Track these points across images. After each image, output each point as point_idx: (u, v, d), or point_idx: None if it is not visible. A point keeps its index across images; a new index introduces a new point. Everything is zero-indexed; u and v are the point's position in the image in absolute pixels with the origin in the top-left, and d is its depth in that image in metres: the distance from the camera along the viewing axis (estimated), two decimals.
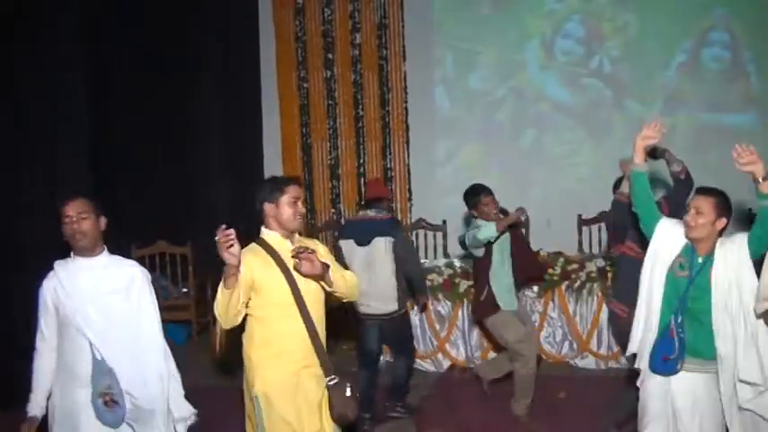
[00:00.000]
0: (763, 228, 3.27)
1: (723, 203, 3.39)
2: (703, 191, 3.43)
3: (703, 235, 3.36)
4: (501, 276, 4.96)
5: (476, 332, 6.12)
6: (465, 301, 6.10)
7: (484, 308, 4.99)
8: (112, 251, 3.43)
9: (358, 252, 4.87)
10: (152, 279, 6.63)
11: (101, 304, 3.19)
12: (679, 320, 3.34)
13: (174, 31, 7.24)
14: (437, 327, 6.15)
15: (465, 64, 7.89)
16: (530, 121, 7.87)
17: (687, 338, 3.33)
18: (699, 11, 7.61)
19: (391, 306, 4.85)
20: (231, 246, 2.95)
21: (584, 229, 6.99)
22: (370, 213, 4.99)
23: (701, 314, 3.32)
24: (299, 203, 3.29)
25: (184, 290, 6.96)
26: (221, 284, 3.08)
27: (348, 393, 3.26)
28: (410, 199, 7.93)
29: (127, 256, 6.69)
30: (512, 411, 4.96)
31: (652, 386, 3.44)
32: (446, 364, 6.18)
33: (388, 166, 7.97)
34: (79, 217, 3.17)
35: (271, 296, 3.21)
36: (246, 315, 3.25)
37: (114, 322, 3.20)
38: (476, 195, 5.01)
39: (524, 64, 7.82)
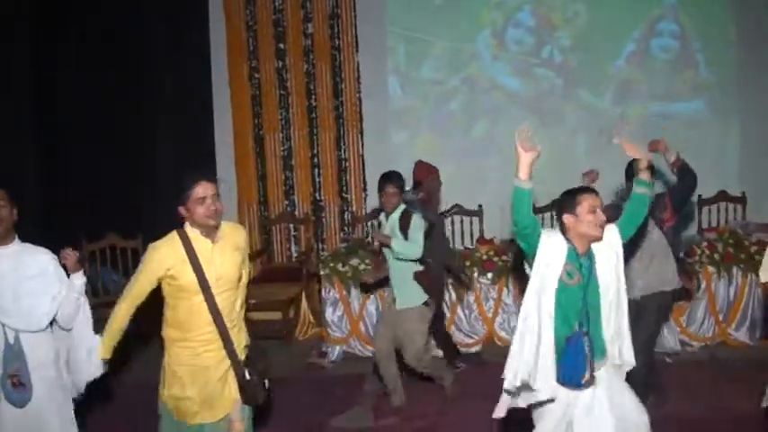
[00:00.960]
0: (634, 212, 3.44)
1: None
2: (593, 190, 3.36)
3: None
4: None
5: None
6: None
7: None
8: (62, 246, 3.52)
9: None
10: (103, 273, 6.58)
11: (18, 289, 3.32)
12: (584, 328, 3.26)
13: (121, 19, 7.10)
14: None
15: (417, 54, 7.88)
16: (483, 110, 7.89)
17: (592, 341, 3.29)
18: (648, 1, 7.72)
19: None
20: None
21: (538, 216, 7.04)
22: (409, 195, 5.14)
23: (593, 311, 3.31)
24: (209, 200, 3.31)
25: None
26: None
27: (247, 377, 3.45)
28: (365, 189, 7.89)
29: (77, 250, 6.64)
30: None
31: (556, 403, 3.30)
32: None
33: (343, 156, 7.91)
34: (5, 204, 3.31)
35: (180, 286, 3.35)
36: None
37: (29, 307, 3.34)
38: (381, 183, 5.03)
39: (476, 54, 7.84)
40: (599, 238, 3.31)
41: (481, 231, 7.09)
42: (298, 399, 5.28)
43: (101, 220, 6.69)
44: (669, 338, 6.01)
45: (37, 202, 6.37)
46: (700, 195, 7.08)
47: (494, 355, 6.00)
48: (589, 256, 3.33)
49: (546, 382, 3.22)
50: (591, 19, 7.74)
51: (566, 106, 7.83)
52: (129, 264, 6.71)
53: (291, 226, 7.99)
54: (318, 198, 7.95)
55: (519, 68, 7.84)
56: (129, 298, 3.41)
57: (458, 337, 6.16)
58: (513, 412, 3.38)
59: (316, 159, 7.94)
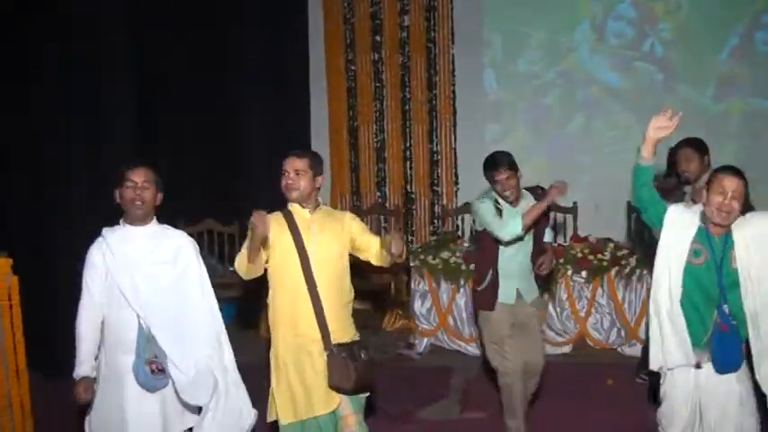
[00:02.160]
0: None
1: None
2: (735, 171, 3.15)
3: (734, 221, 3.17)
4: (508, 264, 4.25)
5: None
6: None
7: (482, 299, 4.34)
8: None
9: None
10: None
11: (148, 273, 3.25)
12: (725, 311, 3.14)
13: (220, 10, 7.29)
14: None
15: (514, 47, 7.79)
16: (579, 105, 7.75)
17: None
18: None
19: None
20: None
21: (634, 215, 6.89)
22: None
23: (732, 298, 3.15)
24: (290, 174, 3.43)
25: (231, 269, 7.01)
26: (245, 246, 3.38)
27: (344, 362, 3.38)
28: (456, 183, 7.88)
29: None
30: None
31: (681, 388, 3.24)
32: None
33: (435, 149, 7.92)
34: (143, 185, 3.26)
35: (281, 255, 3.40)
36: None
37: (160, 292, 3.25)
38: (488, 169, 4.27)
39: (574, 47, 7.70)
40: (722, 225, 3.12)
41: (575, 229, 6.97)
42: (384, 388, 5.29)
43: (199, 205, 6.90)
44: None
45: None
46: None
47: (585, 356, 5.94)
48: (725, 238, 3.16)
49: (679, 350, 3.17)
50: (693, 11, 7.49)
51: (665, 102, 7.57)
52: (224, 249, 6.91)
53: (382, 217, 8.05)
54: (410, 190, 7.99)
55: (618, 62, 7.65)
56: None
57: (548, 335, 6.09)
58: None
59: (408, 152, 7.99)
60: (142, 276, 3.23)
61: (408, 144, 7.98)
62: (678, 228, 3.20)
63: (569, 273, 6.07)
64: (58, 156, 5.73)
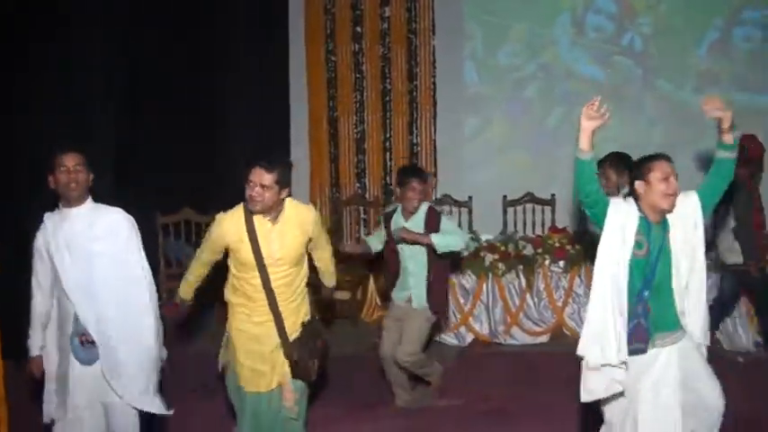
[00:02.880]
0: (718, 178, 3.23)
1: None
2: (662, 156, 3.22)
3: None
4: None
5: (500, 306, 6.11)
6: (490, 275, 6.10)
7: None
8: (138, 218, 3.55)
9: None
10: (177, 246, 6.73)
11: (86, 250, 3.33)
12: (645, 296, 3.17)
13: (200, 3, 7.23)
14: (461, 300, 6.15)
15: (494, 39, 7.80)
16: (558, 98, 7.76)
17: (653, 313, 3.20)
18: None
19: None
20: None
21: None
22: None
23: (664, 281, 3.20)
24: (256, 187, 3.45)
25: None
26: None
27: (294, 358, 3.59)
28: (436, 174, 7.87)
29: (152, 223, 6.78)
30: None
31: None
32: (469, 338, 6.18)
33: (415, 141, 7.92)
34: (75, 168, 3.32)
35: (238, 259, 3.56)
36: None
37: (96, 270, 3.33)
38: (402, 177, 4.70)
39: (554, 40, 7.73)
40: (668, 211, 3.18)
41: (553, 221, 7.00)
42: (360, 377, 5.31)
43: (176, 195, 6.84)
44: (743, 336, 5.84)
45: (113, 175, 6.56)
46: None
47: (562, 346, 5.94)
48: (663, 225, 3.21)
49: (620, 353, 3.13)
50: (672, 5, 7.56)
51: (644, 96, 7.65)
52: (201, 238, 6.85)
53: (362, 208, 8.04)
54: (389, 182, 7.97)
55: (597, 56, 7.69)
56: (199, 264, 3.79)
57: (526, 324, 6.11)
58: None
59: (388, 143, 7.97)
60: (73, 254, 3.31)
61: (388, 135, 7.97)
62: (621, 222, 3.18)
63: (547, 263, 6.10)
64: (37, 149, 5.66)
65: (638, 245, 3.16)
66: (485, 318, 6.15)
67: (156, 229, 6.89)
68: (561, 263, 6.07)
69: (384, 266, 4.99)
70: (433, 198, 7.71)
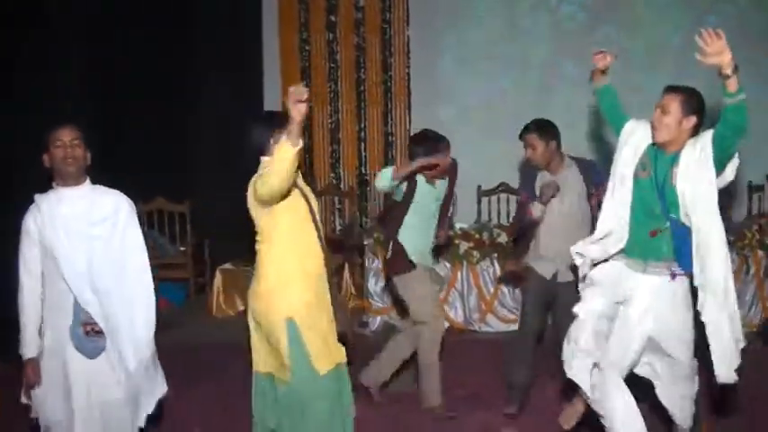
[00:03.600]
0: (726, 126, 3.15)
1: (691, 100, 3.27)
2: (670, 88, 3.31)
3: (670, 137, 3.25)
4: (416, 236, 4.48)
5: (474, 294, 6.11)
6: (464, 263, 6.10)
7: (394, 264, 4.51)
8: None
9: None
10: (150, 236, 6.66)
11: (86, 234, 3.16)
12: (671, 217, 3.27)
13: None
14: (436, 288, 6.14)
15: (469, 29, 7.79)
16: (533, 88, 7.78)
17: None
18: None
19: None
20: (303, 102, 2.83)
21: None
22: None
23: (672, 210, 3.27)
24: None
25: (182, 248, 6.93)
26: (284, 142, 2.88)
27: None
28: None
29: None
30: (423, 405, 4.51)
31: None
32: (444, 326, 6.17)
33: (389, 131, 7.91)
34: (72, 143, 3.17)
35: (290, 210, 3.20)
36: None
37: (95, 254, 3.17)
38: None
39: (529, 30, 7.74)
40: (656, 140, 3.29)
41: None
42: None
43: (150, 185, 6.77)
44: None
45: (93, 163, 6.50)
46: (750, 181, 6.93)
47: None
48: (672, 158, 3.26)
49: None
50: None
51: (621, 88, 7.65)
52: (176, 228, 6.81)
53: (336, 198, 8.01)
54: (364, 172, 7.96)
55: (572, 47, 7.70)
56: None
57: (500, 312, 6.13)
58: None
59: (362, 133, 7.95)
60: (73, 238, 3.14)
61: (363, 125, 7.95)
62: (631, 142, 3.40)
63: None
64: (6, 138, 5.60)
65: (641, 165, 3.33)
66: (459, 305, 6.15)
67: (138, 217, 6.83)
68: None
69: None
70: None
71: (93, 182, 3.31)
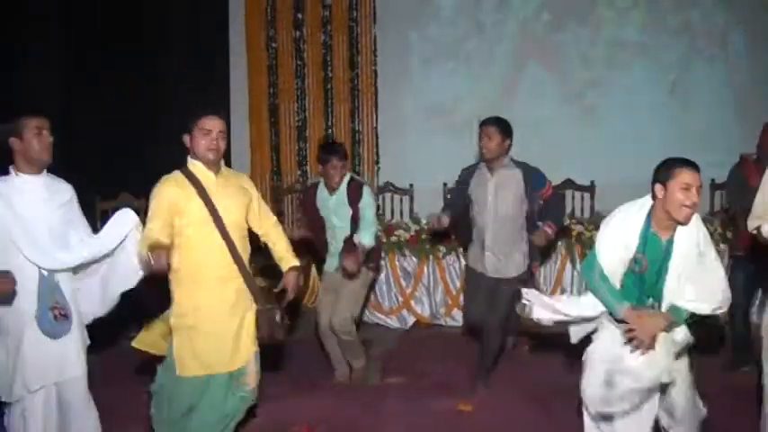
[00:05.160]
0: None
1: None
2: (691, 164, 3.01)
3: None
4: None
5: (440, 288, 6.15)
6: (430, 257, 6.14)
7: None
8: (78, 202, 3.54)
9: None
10: None
11: (49, 218, 3.27)
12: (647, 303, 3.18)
13: None
14: (402, 283, 6.18)
15: (436, 27, 7.85)
16: (502, 88, 7.84)
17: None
18: None
19: None
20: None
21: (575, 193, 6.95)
22: None
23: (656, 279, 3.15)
24: (215, 134, 3.37)
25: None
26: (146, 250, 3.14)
27: (278, 319, 3.45)
28: (377, 162, 7.90)
29: (91, 208, 6.64)
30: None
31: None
32: (411, 320, 6.22)
33: (357, 128, 7.93)
34: (49, 132, 3.28)
35: (189, 218, 3.32)
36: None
37: (60, 237, 3.29)
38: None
39: (495, 29, 7.81)
40: (683, 223, 3.03)
41: None
42: (304, 361, 5.31)
43: (116, 180, 6.73)
44: None
45: (53, 160, 6.44)
46: (713, 179, 7.05)
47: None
48: (668, 244, 3.08)
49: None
50: None
51: (585, 86, 7.76)
52: (142, 223, 6.74)
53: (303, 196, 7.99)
54: None
55: (537, 45, 7.78)
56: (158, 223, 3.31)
57: None
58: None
59: (330, 131, 7.96)
60: (43, 223, 3.23)
61: (330, 123, 7.96)
62: (623, 240, 3.14)
63: None
64: None
65: (637, 262, 3.12)
66: (426, 300, 6.19)
67: (96, 214, 6.76)
68: None
69: (315, 240, 5.01)
70: (375, 185, 7.74)
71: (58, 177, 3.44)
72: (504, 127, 4.58)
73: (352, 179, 4.83)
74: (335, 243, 4.87)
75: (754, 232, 3.53)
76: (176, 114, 7.39)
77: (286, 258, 3.60)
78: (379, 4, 7.81)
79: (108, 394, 3.69)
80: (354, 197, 4.73)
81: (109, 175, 6.76)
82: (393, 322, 6.21)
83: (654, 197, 3.08)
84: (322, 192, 4.88)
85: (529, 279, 4.61)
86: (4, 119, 5.25)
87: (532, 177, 4.51)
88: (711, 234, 5.90)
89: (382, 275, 6.20)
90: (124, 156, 7.00)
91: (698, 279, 3.06)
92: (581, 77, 7.73)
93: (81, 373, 3.33)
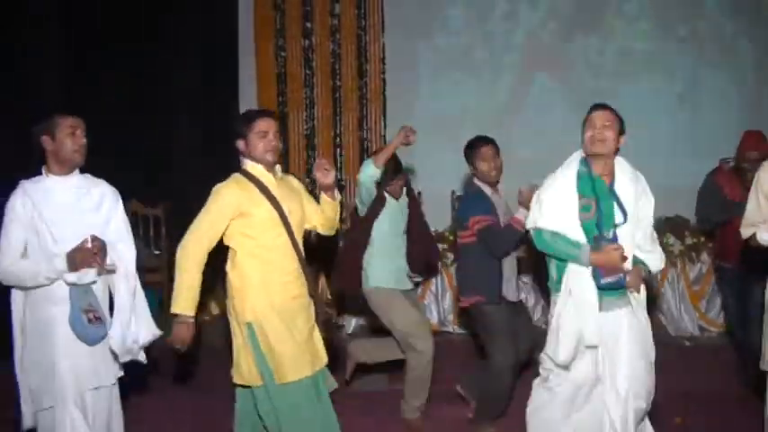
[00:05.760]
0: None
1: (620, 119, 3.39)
2: (600, 106, 3.38)
3: (610, 149, 3.30)
4: (385, 256, 4.43)
5: (448, 296, 6.16)
6: (439, 265, 6.15)
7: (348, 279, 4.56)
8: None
9: None
10: None
11: (78, 222, 3.18)
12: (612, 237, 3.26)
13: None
14: None
15: (445, 35, 7.89)
16: (507, 96, 7.87)
17: None
18: None
19: None
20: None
21: None
22: None
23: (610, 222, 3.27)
24: (271, 135, 3.29)
25: (156, 252, 6.89)
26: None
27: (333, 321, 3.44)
28: None
29: None
30: (401, 414, 4.47)
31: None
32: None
33: (365, 137, 7.96)
34: (83, 134, 3.25)
35: (256, 221, 3.23)
36: (230, 248, 3.30)
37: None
38: None
39: (503, 39, 7.84)
40: (599, 154, 3.28)
41: None
42: None
43: (125, 188, 6.74)
44: (688, 323, 6.01)
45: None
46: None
47: None
48: (611, 185, 3.29)
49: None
50: None
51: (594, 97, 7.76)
52: (150, 232, 6.77)
53: None
54: (339, 178, 7.99)
55: (546, 55, 7.80)
56: (203, 241, 3.22)
57: None
58: None
59: (338, 139, 8.00)
60: (70, 224, 3.16)
61: (338, 131, 8.00)
62: (559, 201, 3.28)
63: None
64: None
65: (584, 208, 3.22)
66: (434, 307, 6.20)
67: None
68: None
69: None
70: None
71: None
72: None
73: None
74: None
75: (749, 239, 3.52)
76: (185, 125, 7.51)
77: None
78: (388, 14, 7.87)
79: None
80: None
81: (118, 184, 6.78)
82: None
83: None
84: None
85: None
86: (5, 119, 5.31)
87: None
88: (697, 244, 6.01)
89: None
90: (134, 165, 7.04)
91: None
92: (589, 87, 7.74)
93: (114, 380, 3.29)
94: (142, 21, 7.22)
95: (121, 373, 3.36)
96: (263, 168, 3.31)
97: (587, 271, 3.21)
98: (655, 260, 3.34)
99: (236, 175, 3.33)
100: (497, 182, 4.27)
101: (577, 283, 3.23)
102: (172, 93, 7.41)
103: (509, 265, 4.22)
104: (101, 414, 3.23)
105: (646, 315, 3.34)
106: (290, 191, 3.39)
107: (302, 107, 8.00)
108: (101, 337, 3.17)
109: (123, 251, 3.31)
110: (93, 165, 6.52)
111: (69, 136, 3.18)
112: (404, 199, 4.57)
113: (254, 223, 3.23)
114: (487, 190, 4.23)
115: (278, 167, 3.39)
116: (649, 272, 3.36)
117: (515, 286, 4.30)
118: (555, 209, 3.28)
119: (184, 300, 3.18)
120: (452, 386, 4.84)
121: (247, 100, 7.96)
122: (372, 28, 7.86)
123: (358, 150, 7.93)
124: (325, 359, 3.38)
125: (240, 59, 7.94)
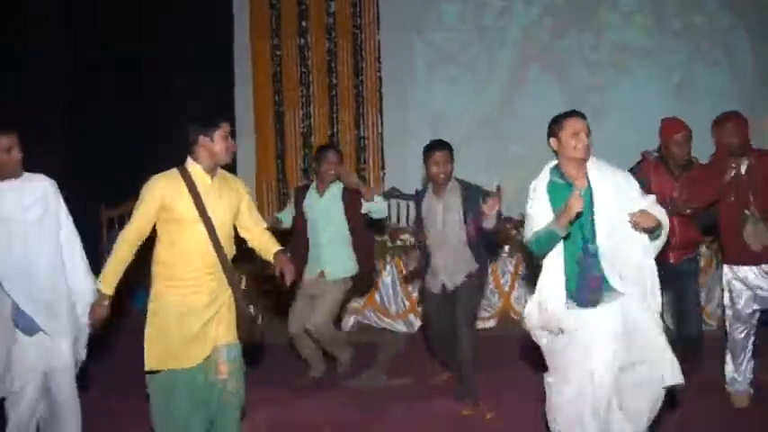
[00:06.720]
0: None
1: None
2: (576, 113, 3.30)
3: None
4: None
5: None
6: None
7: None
8: (83, 210, 3.73)
9: None
10: None
11: (15, 227, 3.35)
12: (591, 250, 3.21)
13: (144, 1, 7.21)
14: (409, 287, 6.19)
15: (441, 33, 7.90)
16: (502, 91, 7.87)
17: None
18: None
19: None
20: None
21: None
22: None
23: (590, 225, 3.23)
24: (229, 137, 3.44)
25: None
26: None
27: (250, 309, 3.45)
28: (383, 168, 7.94)
29: (97, 216, 6.69)
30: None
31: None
32: (417, 324, 6.22)
33: (362, 135, 7.96)
34: (19, 149, 3.39)
35: (178, 215, 3.33)
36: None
37: (29, 241, 3.37)
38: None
39: (498, 35, 7.84)
40: (582, 160, 3.23)
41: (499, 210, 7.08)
42: (298, 363, 5.30)
43: (121, 189, 6.76)
44: None
45: (59, 169, 6.48)
46: None
47: (509, 330, 6.01)
48: (588, 190, 3.21)
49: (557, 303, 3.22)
50: None
51: (588, 92, 7.78)
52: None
53: None
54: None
55: (540, 50, 7.81)
56: (131, 232, 3.38)
57: None
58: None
59: (335, 138, 7.99)
60: (14, 228, 3.34)
61: (335, 130, 8.00)
62: (542, 213, 3.25)
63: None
64: None
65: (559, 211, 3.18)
66: None
67: (101, 222, 6.81)
68: (507, 248, 6.16)
69: (293, 243, 4.92)
70: (381, 191, 7.75)
71: (64, 185, 3.54)
72: (451, 151, 4.60)
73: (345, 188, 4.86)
74: (318, 248, 4.87)
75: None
76: (181, 123, 7.49)
77: (269, 245, 3.58)
78: (383, 11, 7.88)
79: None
80: (354, 199, 4.78)
81: (115, 183, 6.80)
82: (400, 326, 6.23)
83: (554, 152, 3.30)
84: (312, 193, 4.94)
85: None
86: (5, 119, 5.33)
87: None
88: None
89: (388, 280, 6.23)
90: (130, 166, 7.04)
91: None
92: (585, 82, 7.75)
93: (68, 364, 3.44)
94: (142, 21, 7.22)
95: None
96: (201, 169, 3.42)
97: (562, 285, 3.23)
98: (662, 214, 3.25)
99: (172, 170, 3.47)
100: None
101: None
102: (169, 95, 7.41)
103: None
104: (58, 396, 3.45)
105: (651, 306, 3.25)
106: (226, 192, 3.46)
107: (298, 105, 8.00)
108: (36, 329, 3.36)
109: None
110: (94, 165, 6.57)
111: (5, 153, 3.33)
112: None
113: (174, 217, 3.34)
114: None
115: (219, 170, 3.48)
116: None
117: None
118: (540, 221, 3.25)
119: (105, 278, 3.36)
120: (450, 382, 4.86)
121: (243, 100, 7.97)
122: (368, 26, 7.86)
123: (355, 148, 7.94)
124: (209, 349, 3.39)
125: (235, 59, 7.94)
